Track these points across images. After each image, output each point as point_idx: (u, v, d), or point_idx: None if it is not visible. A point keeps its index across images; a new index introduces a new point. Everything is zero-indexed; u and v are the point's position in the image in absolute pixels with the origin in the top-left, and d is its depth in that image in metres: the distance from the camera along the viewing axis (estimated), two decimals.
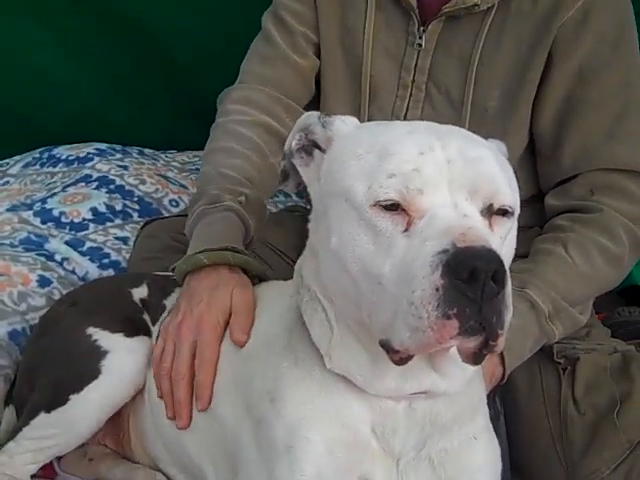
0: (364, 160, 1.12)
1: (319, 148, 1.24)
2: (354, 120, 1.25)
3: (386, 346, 1.08)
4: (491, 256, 0.99)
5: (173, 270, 1.58)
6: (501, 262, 1.00)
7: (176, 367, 1.45)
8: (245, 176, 1.72)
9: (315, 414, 1.22)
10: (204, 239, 1.57)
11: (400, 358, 1.08)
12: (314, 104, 1.94)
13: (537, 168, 1.80)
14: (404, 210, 1.07)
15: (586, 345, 1.69)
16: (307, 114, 1.27)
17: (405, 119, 1.80)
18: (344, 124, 1.23)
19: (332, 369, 1.21)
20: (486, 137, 1.21)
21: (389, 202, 1.07)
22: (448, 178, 1.07)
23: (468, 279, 0.98)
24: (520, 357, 1.56)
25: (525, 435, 1.64)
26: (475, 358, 1.07)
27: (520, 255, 1.65)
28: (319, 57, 1.90)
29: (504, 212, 1.11)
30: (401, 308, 1.02)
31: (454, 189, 1.07)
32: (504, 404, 1.62)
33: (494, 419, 1.41)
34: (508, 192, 1.11)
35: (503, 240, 1.12)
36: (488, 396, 1.41)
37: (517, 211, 1.15)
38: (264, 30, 1.94)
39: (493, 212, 1.10)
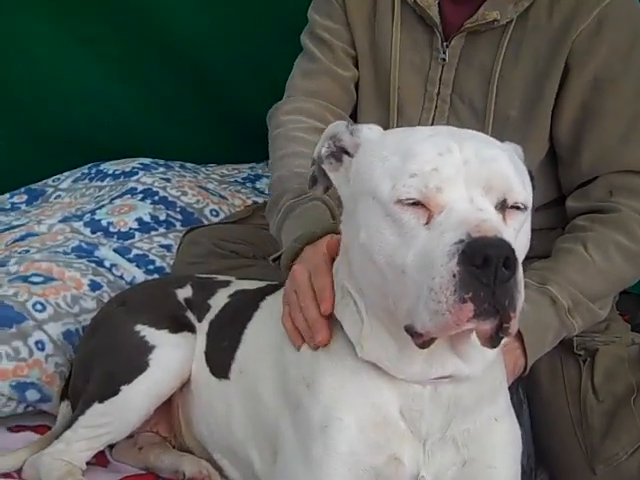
0: (389, 162, 1.22)
1: (347, 154, 1.34)
2: (379, 128, 1.35)
3: (410, 330, 1.18)
4: (503, 245, 1.09)
5: (274, 260, 1.62)
6: (512, 250, 1.09)
7: (301, 297, 1.44)
8: None
9: (347, 397, 1.31)
10: (299, 227, 1.59)
11: (423, 341, 1.18)
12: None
13: (558, 172, 1.88)
14: (424, 206, 1.17)
15: (605, 338, 1.76)
16: (335, 124, 1.37)
17: None
18: (370, 131, 1.33)
19: (363, 357, 1.30)
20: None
21: (411, 200, 1.17)
22: (465, 176, 1.17)
23: (482, 265, 1.07)
24: (541, 350, 1.63)
25: (548, 422, 1.71)
26: (492, 341, 1.16)
27: (543, 255, 1.76)
28: (357, 69, 1.99)
29: (517, 207, 1.20)
30: (422, 294, 1.12)
31: (470, 186, 1.17)
32: (527, 394, 1.70)
33: (517, 407, 1.49)
34: (521, 189, 1.20)
35: (517, 232, 1.20)
36: (511, 386, 1.49)
37: (529, 206, 1.23)
38: (305, 49, 2.03)
39: (507, 207, 1.19)
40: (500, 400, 1.38)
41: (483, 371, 1.29)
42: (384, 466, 1.30)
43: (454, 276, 1.08)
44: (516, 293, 1.10)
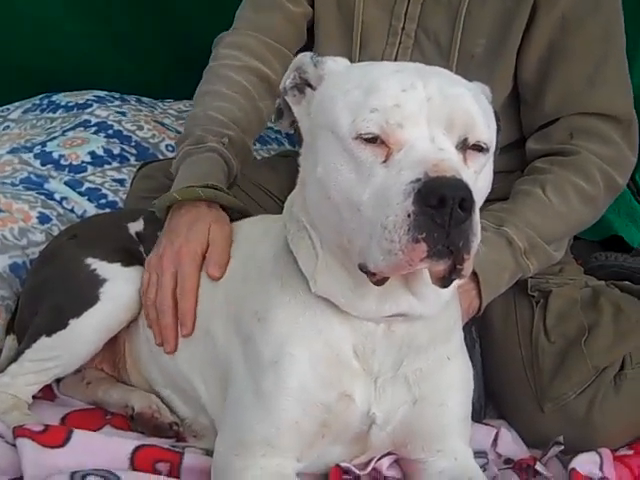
0: (350, 95, 1.19)
1: (310, 86, 1.30)
2: (345, 60, 1.32)
3: (363, 269, 1.17)
4: (459, 185, 1.07)
5: (156, 209, 1.66)
6: (469, 191, 1.07)
7: (160, 297, 1.55)
8: (231, 118, 1.78)
9: (299, 332, 1.31)
10: (186, 177, 1.65)
11: (377, 280, 1.17)
12: (306, 51, 1.99)
13: (520, 114, 1.86)
14: (384, 143, 1.14)
15: (559, 280, 1.78)
16: (301, 55, 1.34)
17: None
18: (335, 63, 1.30)
19: (316, 292, 1.29)
20: (472, 81, 1.28)
21: (370, 135, 1.15)
22: (427, 114, 1.14)
23: (437, 206, 1.06)
24: (496, 290, 1.64)
25: (498, 362, 1.73)
26: (444, 281, 1.15)
27: (502, 198, 1.76)
28: (312, 6, 1.95)
29: (480, 148, 1.18)
30: (376, 232, 1.10)
31: (432, 124, 1.14)
32: (480, 334, 1.71)
33: (470, 347, 1.50)
34: (484, 129, 1.18)
35: (477, 174, 1.18)
36: (465, 326, 1.50)
37: (492, 148, 1.21)
38: None
39: (468, 146, 1.16)
40: (454, 339, 1.39)
41: (438, 311, 1.29)
42: (335, 402, 1.30)
43: (409, 216, 1.07)
44: (471, 235, 1.09)
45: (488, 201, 1.79)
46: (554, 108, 1.79)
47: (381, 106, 1.15)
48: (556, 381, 1.65)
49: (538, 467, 1.47)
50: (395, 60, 1.85)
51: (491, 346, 1.74)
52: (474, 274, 1.58)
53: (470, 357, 1.45)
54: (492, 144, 1.21)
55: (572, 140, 1.76)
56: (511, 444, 1.60)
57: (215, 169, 1.67)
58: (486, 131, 1.19)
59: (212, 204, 1.60)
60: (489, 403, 1.74)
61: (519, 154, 1.87)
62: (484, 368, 1.70)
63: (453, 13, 1.79)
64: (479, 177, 1.19)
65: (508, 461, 1.56)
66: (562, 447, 1.53)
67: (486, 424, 1.66)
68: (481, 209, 1.67)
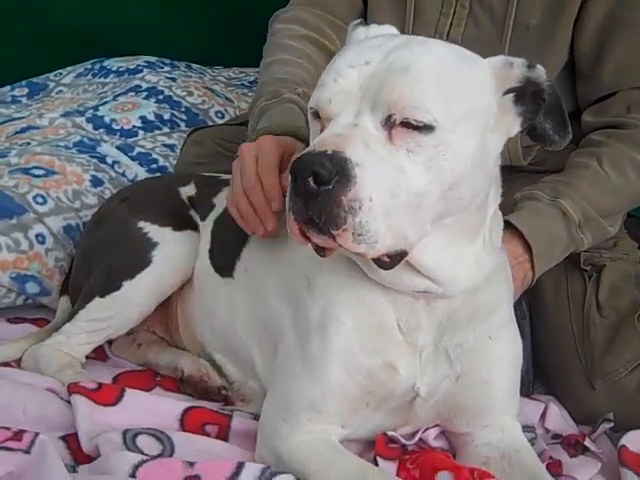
0: (326, 70, 1.20)
1: None
2: (389, 28, 1.31)
3: None
4: (316, 160, 1.07)
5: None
6: (328, 165, 1.06)
7: (245, 179, 1.48)
8: (300, 78, 1.77)
9: (344, 298, 1.31)
10: (270, 125, 1.59)
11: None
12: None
13: (576, 86, 1.83)
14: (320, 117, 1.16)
15: (613, 254, 1.75)
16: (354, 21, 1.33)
17: (448, 36, 1.82)
18: (358, 33, 1.29)
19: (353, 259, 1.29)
20: (527, 56, 1.22)
21: (311, 109, 1.18)
22: (364, 89, 1.13)
23: (294, 179, 1.09)
24: (549, 262, 1.62)
25: (549, 337, 1.71)
26: (379, 264, 1.17)
27: (555, 170, 1.73)
28: None
29: (414, 126, 1.10)
30: None
31: (364, 99, 1.13)
32: (530, 306, 1.70)
33: (520, 320, 1.48)
34: (425, 106, 1.10)
35: (412, 153, 1.11)
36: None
37: (443, 127, 1.11)
38: None
39: (394, 124, 1.11)
40: (497, 317, 1.36)
41: (464, 290, 1.27)
42: (379, 370, 1.30)
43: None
44: (336, 210, 1.07)
45: (541, 173, 1.81)
46: (611, 81, 1.74)
47: (323, 81, 1.17)
48: (607, 357, 1.63)
49: (587, 443, 1.46)
50: (449, 31, 1.82)
51: (541, 320, 1.72)
52: (527, 245, 1.56)
53: (520, 330, 1.43)
54: (442, 123, 1.11)
55: (630, 114, 1.72)
56: (559, 419, 1.59)
57: (296, 116, 1.63)
58: (428, 109, 1.10)
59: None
60: (537, 378, 1.73)
61: (574, 127, 1.83)
62: (534, 342, 1.69)
63: None
64: (424, 160, 1.12)
65: (556, 436, 1.55)
66: (612, 424, 1.52)
67: (534, 399, 1.65)
68: (534, 181, 1.70)
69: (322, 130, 1.16)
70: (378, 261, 1.16)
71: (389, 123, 1.11)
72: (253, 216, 1.46)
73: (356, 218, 1.07)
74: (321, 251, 1.18)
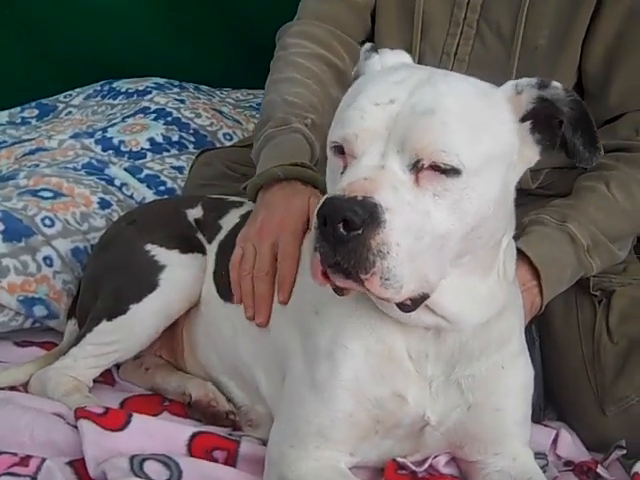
0: (343, 101, 1.20)
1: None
2: (402, 55, 1.31)
3: None
4: (345, 207, 1.06)
5: (245, 189, 1.63)
6: (359, 212, 1.05)
7: (258, 265, 1.51)
8: (308, 102, 1.77)
9: (353, 327, 1.30)
10: (275, 157, 1.62)
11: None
12: (370, 40, 1.98)
13: None
14: (344, 153, 1.15)
15: (622, 279, 1.73)
16: (366, 44, 1.33)
17: (455, 56, 1.83)
18: (375, 61, 1.28)
19: None
20: (535, 75, 1.20)
21: (334, 144, 1.17)
22: (390, 130, 1.11)
23: (322, 224, 1.08)
24: (558, 288, 1.61)
25: (559, 362, 1.70)
26: (401, 307, 1.17)
27: (564, 194, 1.73)
28: None
29: (442, 169, 1.10)
30: None
31: (391, 141, 1.11)
32: (540, 332, 1.68)
33: (529, 345, 1.46)
34: (453, 150, 1.09)
35: (438, 197, 1.11)
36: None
37: (470, 170, 1.11)
38: None
39: (421, 168, 1.10)
40: (509, 347, 1.35)
41: (475, 324, 1.27)
42: (388, 399, 1.29)
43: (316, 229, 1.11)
44: (365, 253, 1.06)
45: (549, 197, 1.80)
46: (619, 102, 1.74)
47: (348, 117, 1.15)
48: (618, 383, 1.62)
49: (600, 470, 1.44)
50: (456, 51, 1.83)
51: (551, 345, 1.71)
52: (535, 270, 1.55)
53: (530, 356, 1.42)
54: (469, 167, 1.10)
55: (638, 136, 1.72)
56: (571, 446, 1.57)
57: (302, 149, 1.65)
58: (455, 153, 1.09)
59: (306, 183, 1.58)
60: (549, 404, 1.71)
61: None
62: (544, 367, 1.67)
63: (516, 3, 1.76)
64: (445, 199, 1.11)
65: (568, 463, 1.53)
66: (624, 451, 1.50)
67: (545, 425, 1.63)
68: (542, 205, 1.69)
69: (345, 166, 1.15)
70: (401, 305, 1.16)
71: (417, 167, 1.11)
72: (250, 300, 1.51)
73: (384, 262, 1.07)
74: (340, 291, 1.18)
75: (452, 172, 1.10)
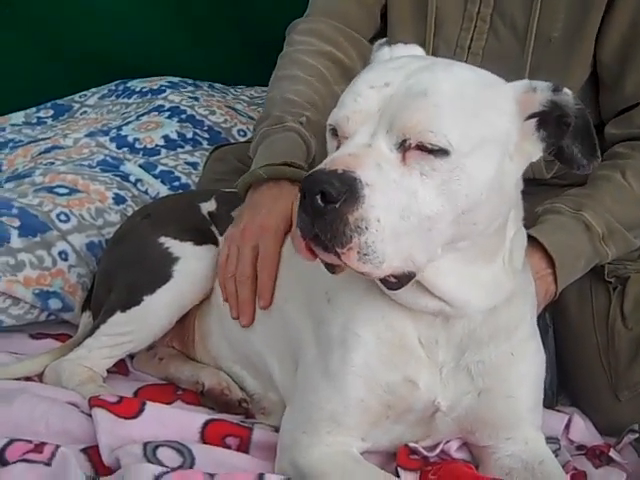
0: (347, 89, 1.20)
1: None
2: (415, 48, 1.31)
3: None
4: (323, 179, 1.06)
5: (237, 187, 1.67)
6: (336, 184, 1.05)
7: (240, 268, 1.56)
8: (308, 100, 1.79)
9: (364, 314, 1.31)
10: (266, 156, 1.65)
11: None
12: (381, 37, 1.98)
13: (599, 98, 1.81)
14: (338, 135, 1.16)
15: (638, 266, 1.74)
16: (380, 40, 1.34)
17: (469, 50, 1.83)
18: (382, 53, 1.29)
19: None
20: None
21: (330, 126, 1.18)
22: (382, 111, 1.12)
23: (302, 197, 1.08)
24: (572, 275, 1.61)
25: (573, 348, 1.70)
26: (385, 283, 1.17)
27: (579, 183, 1.72)
28: None
29: (430, 150, 1.10)
30: None
31: (382, 121, 1.12)
32: (554, 318, 1.68)
33: (543, 332, 1.46)
34: (441, 131, 1.09)
35: (426, 177, 1.10)
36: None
37: (459, 152, 1.10)
38: None
39: (408, 147, 1.10)
40: (519, 334, 1.34)
41: (480, 310, 1.26)
42: (399, 385, 1.29)
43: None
44: (342, 228, 1.06)
45: (564, 186, 1.79)
46: (635, 91, 1.73)
47: (344, 99, 1.16)
48: (632, 369, 1.62)
49: (612, 454, 1.44)
50: (470, 45, 1.82)
51: (565, 332, 1.70)
52: (550, 258, 1.55)
53: (543, 343, 1.42)
54: (457, 148, 1.10)
55: None
56: (584, 431, 1.57)
57: (293, 147, 1.67)
58: (443, 134, 1.09)
59: (294, 182, 1.60)
60: (562, 390, 1.71)
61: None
62: (557, 353, 1.67)
63: None
64: (432, 179, 1.10)
65: (580, 447, 1.53)
66: (637, 435, 1.50)
67: (558, 410, 1.63)
68: (557, 194, 1.68)
69: (338, 147, 1.16)
70: (385, 281, 1.16)
71: (404, 146, 1.11)
72: (234, 301, 1.56)
73: (362, 237, 1.06)
74: (331, 268, 1.18)
75: (440, 153, 1.10)
